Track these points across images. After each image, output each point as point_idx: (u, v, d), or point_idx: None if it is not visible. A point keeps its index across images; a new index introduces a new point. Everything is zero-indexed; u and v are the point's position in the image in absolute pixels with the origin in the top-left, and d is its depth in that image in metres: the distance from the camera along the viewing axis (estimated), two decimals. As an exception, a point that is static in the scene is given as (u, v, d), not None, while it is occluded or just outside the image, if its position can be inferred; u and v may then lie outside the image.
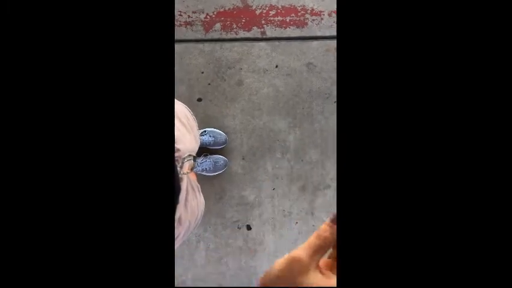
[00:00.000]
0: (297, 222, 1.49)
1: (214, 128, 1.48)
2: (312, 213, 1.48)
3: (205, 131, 1.45)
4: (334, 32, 1.47)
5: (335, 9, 1.47)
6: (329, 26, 1.48)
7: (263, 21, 1.49)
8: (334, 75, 1.47)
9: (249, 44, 1.49)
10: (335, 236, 0.32)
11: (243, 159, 1.50)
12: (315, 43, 1.48)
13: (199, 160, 1.45)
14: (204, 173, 1.45)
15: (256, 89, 1.49)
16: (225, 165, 1.46)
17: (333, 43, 1.47)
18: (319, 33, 1.48)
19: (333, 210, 1.47)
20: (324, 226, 0.33)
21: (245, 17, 1.50)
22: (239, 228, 1.50)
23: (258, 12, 1.49)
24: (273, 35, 1.49)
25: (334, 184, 1.47)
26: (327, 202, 1.48)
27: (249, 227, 1.50)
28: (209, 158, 1.45)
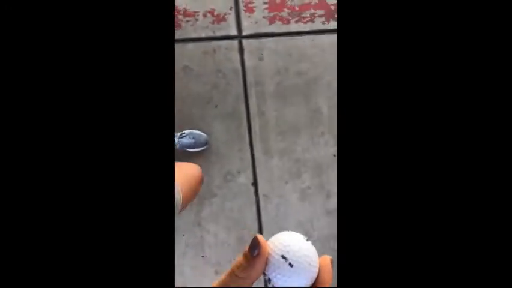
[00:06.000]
0: (183, 235, 1.42)
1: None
2: (199, 224, 1.42)
3: (183, 133, 1.38)
4: (211, 33, 1.40)
5: (210, 9, 1.40)
6: (204, 27, 1.40)
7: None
8: (214, 79, 1.40)
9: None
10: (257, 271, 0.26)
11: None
12: (190, 45, 1.40)
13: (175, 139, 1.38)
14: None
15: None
16: (206, 143, 1.40)
17: (211, 44, 1.40)
18: (194, 35, 1.40)
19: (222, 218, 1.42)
20: (239, 261, 0.26)
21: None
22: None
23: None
24: (145, 39, 1.39)
25: (220, 192, 1.42)
26: (213, 212, 1.43)
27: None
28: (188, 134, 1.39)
